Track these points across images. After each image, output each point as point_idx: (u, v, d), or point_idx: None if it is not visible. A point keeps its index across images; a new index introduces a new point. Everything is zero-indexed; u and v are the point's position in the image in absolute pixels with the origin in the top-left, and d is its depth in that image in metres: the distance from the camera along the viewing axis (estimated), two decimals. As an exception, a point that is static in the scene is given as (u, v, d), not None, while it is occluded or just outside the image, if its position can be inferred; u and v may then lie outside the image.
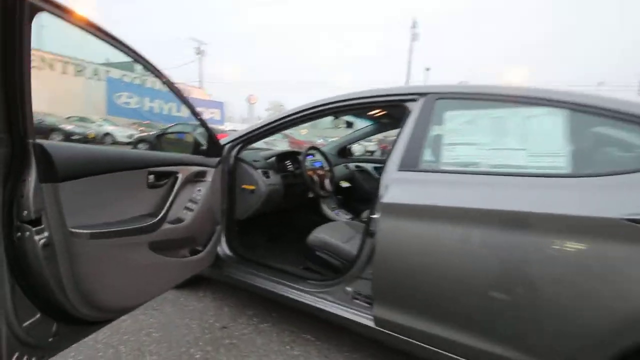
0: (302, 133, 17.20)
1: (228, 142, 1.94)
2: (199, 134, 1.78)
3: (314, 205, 2.52)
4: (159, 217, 1.30)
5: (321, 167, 2.41)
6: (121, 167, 1.15)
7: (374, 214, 1.42)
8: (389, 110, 2.42)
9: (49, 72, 16.90)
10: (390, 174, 1.41)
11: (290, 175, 2.20)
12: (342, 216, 2.54)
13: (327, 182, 2.15)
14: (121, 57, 1.42)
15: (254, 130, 1.92)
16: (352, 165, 3.19)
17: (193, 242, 1.59)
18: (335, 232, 1.92)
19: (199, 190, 1.59)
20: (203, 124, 1.67)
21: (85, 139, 12.61)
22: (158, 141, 1.75)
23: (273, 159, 2.17)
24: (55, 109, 14.29)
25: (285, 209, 2.37)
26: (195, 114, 1.62)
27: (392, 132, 2.81)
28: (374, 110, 2.29)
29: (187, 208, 1.51)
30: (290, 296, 1.67)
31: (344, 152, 3.22)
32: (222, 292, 2.13)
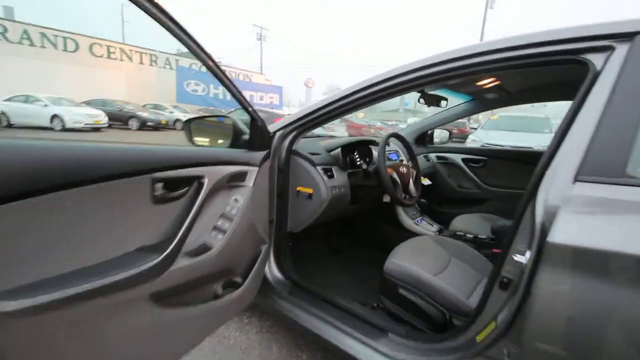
0: (360, 116, 16.34)
1: (279, 129, 1.43)
2: (243, 121, 1.30)
3: (389, 211, 1.92)
4: (168, 250, 0.84)
5: (401, 162, 1.80)
6: (99, 174, 0.69)
7: (514, 252, 0.88)
8: (520, 77, 1.66)
9: (128, 63, 18.43)
10: (559, 188, 0.79)
11: (360, 173, 1.63)
12: (427, 227, 1.91)
13: (411, 184, 1.55)
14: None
15: (312, 113, 1.37)
16: (433, 155, 2.50)
17: (228, 274, 1.13)
18: (423, 257, 1.33)
19: (236, 200, 1.11)
20: (243, 104, 1.17)
21: (158, 125, 13.48)
22: (188, 128, 1.30)
23: (338, 150, 1.62)
24: (133, 97, 15.55)
25: (350, 216, 1.82)
26: (233, 92, 1.12)
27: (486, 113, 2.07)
28: (491, 78, 1.57)
29: (218, 229, 1.04)
30: (360, 358, 1.14)
31: (422, 139, 2.54)
32: (272, 320, 1.68)
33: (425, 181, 2.33)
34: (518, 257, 0.87)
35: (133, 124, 13.07)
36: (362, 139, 1.77)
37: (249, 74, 23.94)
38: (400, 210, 1.90)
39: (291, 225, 1.54)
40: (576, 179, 0.78)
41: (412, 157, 1.68)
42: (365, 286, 1.72)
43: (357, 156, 1.72)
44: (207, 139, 1.34)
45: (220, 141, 1.32)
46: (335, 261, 2.00)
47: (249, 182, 1.16)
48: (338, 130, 10.28)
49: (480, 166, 2.35)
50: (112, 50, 17.88)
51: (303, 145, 1.58)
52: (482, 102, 2.12)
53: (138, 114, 13.29)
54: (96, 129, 11.41)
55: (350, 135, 8.12)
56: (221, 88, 19.63)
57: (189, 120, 1.33)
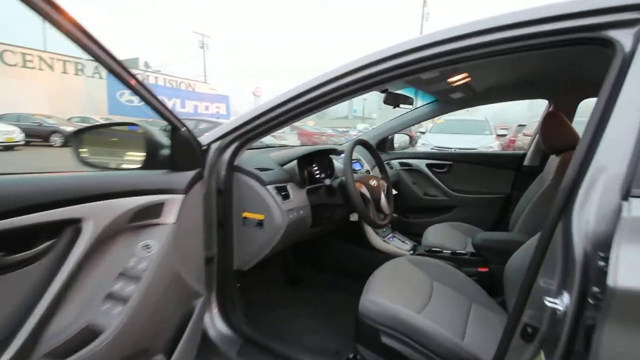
0: (310, 124, 16.20)
1: (215, 139, 1.09)
2: (164, 131, 0.94)
3: (356, 230, 1.66)
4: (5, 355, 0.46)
5: (368, 173, 1.55)
6: None
7: (539, 292, 0.68)
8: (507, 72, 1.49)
9: (49, 72, 16.35)
10: (605, 208, 0.58)
11: (322, 189, 1.33)
12: (400, 245, 1.68)
13: (383, 199, 1.29)
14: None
15: (256, 118, 1.06)
16: (395, 162, 2.31)
17: (140, 358, 0.75)
18: (403, 288, 1.09)
19: (147, 247, 0.75)
20: (156, 107, 0.83)
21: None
22: (75, 143, 0.89)
23: (293, 163, 1.31)
24: (55, 110, 13.75)
25: (311, 239, 1.52)
26: (139, 92, 0.77)
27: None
28: (463, 74, 1.38)
29: (114, 297, 0.67)
30: None
31: (383, 145, 2.34)
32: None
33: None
34: (550, 302, 0.64)
35: (56, 139, 11.51)
36: (321, 148, 1.49)
37: (191, 83, 22.71)
38: (368, 229, 1.65)
39: (239, 262, 1.20)
40: (627, 195, 0.56)
41: (381, 166, 1.44)
42: (335, 327, 1.42)
43: (316, 169, 1.43)
44: (109, 158, 0.95)
45: (127, 160, 0.94)
46: (296, 296, 1.67)
47: (168, 217, 0.80)
48: (290, 139, 9.96)
49: (445, 171, 2.20)
50: (28, 58, 15.76)
51: (248, 158, 1.25)
52: (446, 103, 1.97)
53: (62, 128, 11.73)
54: (8, 148, 9.80)
55: (303, 144, 7.80)
56: (162, 97, 18.30)
57: (78, 132, 0.92)
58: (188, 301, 0.92)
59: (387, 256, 1.57)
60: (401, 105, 1.55)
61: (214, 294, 1.16)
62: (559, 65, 1.48)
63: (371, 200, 1.24)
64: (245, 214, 1.16)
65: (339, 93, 0.94)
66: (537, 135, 1.89)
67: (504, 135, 7.50)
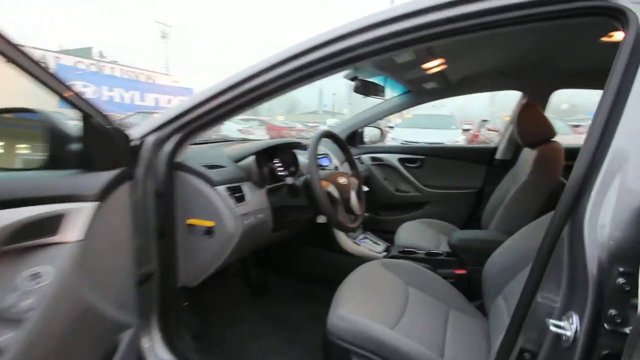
0: (279, 119, 15.84)
1: (150, 131, 0.89)
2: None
3: (324, 232, 1.51)
4: None
5: (337, 170, 1.40)
6: None
7: (538, 313, 0.58)
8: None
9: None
10: (625, 212, 0.45)
11: (285, 188, 1.16)
12: (372, 247, 1.55)
13: (353, 198, 1.15)
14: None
15: (201, 104, 0.87)
16: (366, 157, 2.18)
17: None
18: (376, 298, 0.99)
19: (36, 277, 0.54)
20: (64, 94, 0.62)
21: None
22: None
23: (250, 159, 1.13)
24: (-7, 102, 12.35)
25: (274, 244, 1.35)
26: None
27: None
28: (439, 60, 1.26)
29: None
30: None
31: (353, 139, 2.21)
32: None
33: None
34: (555, 326, 0.52)
35: (-6, 135, 10.34)
36: (284, 142, 1.32)
37: (152, 75, 21.42)
38: (338, 231, 1.50)
39: (185, 278, 1.01)
40: None
41: (350, 162, 1.29)
42: (304, 343, 1.28)
43: (278, 165, 1.26)
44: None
45: (23, 158, 0.72)
46: (260, 308, 1.50)
47: (70, 233, 0.60)
48: (258, 134, 9.63)
49: (417, 166, 2.11)
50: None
51: (195, 154, 1.05)
52: (418, 94, 1.86)
53: (1, 123, 10.56)
54: None
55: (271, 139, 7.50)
56: (116, 90, 17.15)
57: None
58: (109, 337, 0.72)
59: (359, 260, 1.43)
60: (372, 96, 1.42)
61: (155, 318, 0.97)
62: (532, 54, 1.42)
63: (340, 200, 1.09)
64: (191, 221, 0.97)
65: (299, 75, 0.78)
66: (510, 128, 1.84)
67: (468, 130, 7.71)
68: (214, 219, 0.95)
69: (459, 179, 2.00)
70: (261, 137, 9.32)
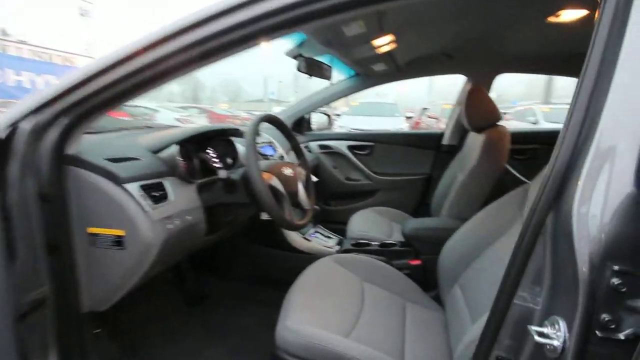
0: (223, 107, 14.94)
1: (25, 116, 0.66)
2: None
3: (269, 229, 1.36)
4: None
5: (282, 160, 1.25)
6: None
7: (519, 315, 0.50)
8: None
9: None
10: (620, 202, 0.37)
11: (219, 184, 0.98)
12: (324, 241, 1.44)
13: (301, 191, 1.01)
14: None
15: (94, 77, 0.66)
16: (314, 145, 2.06)
17: None
18: (329, 302, 0.90)
19: None
20: None
21: None
22: None
23: (172, 149, 0.92)
24: None
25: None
26: None
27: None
28: (389, 37, 1.15)
29: None
30: None
31: (299, 125, 2.06)
32: None
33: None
34: (538, 334, 0.44)
35: None
36: (218, 128, 1.13)
37: (70, 57, 18.78)
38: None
39: (91, 301, 0.79)
40: None
41: (297, 150, 1.14)
42: (254, 349, 1.13)
43: (212, 156, 1.06)
44: None
45: None
46: (200, 319, 1.31)
47: None
48: (199, 124, 8.97)
49: (366, 153, 2.04)
50: None
51: (96, 145, 0.83)
52: (366, 77, 1.77)
53: None
54: None
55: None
56: (25, 74, 14.71)
57: None
58: None
59: (310, 257, 1.32)
60: (317, 76, 1.28)
61: (54, 355, 0.75)
62: (476, 37, 1.39)
63: (286, 194, 0.94)
64: (93, 230, 0.75)
65: (226, 40, 0.60)
66: (456, 113, 1.84)
67: (411, 118, 8.02)
68: (123, 226, 0.74)
69: (409, 166, 1.98)
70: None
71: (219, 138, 1.11)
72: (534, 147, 1.81)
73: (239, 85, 29.79)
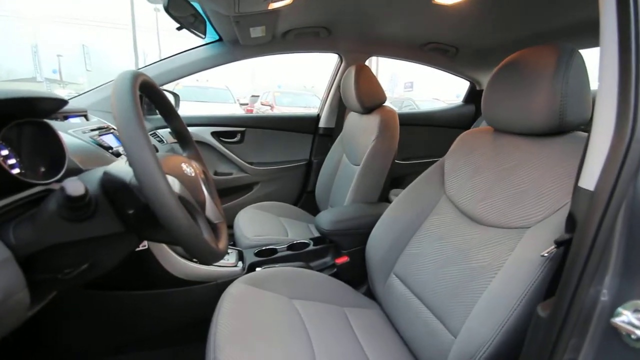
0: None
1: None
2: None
3: (135, 259, 0.88)
4: None
5: (173, 154, 0.79)
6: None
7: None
8: None
9: None
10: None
11: (53, 205, 0.48)
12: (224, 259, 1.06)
13: (208, 200, 0.64)
14: None
15: None
16: (163, 133, 1.55)
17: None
18: (271, 340, 0.72)
19: None
20: None
21: None
22: None
23: None
24: None
25: None
26: None
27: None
28: None
29: None
30: None
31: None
32: None
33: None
34: (622, 323, 0.38)
35: None
36: (10, 97, 0.58)
37: None
38: (159, 250, 0.90)
39: None
40: None
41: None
42: None
43: (4, 155, 0.53)
44: None
45: None
46: None
47: None
48: None
49: (237, 141, 1.71)
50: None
51: None
52: (232, 46, 1.42)
53: None
54: None
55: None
56: None
57: None
58: None
59: (206, 288, 0.95)
60: (190, 29, 0.87)
61: None
62: (351, 13, 1.34)
63: (198, 207, 0.57)
64: None
65: None
66: (332, 94, 1.78)
67: (246, 104, 7.79)
68: None
69: (287, 152, 1.80)
70: None
71: (16, 122, 0.57)
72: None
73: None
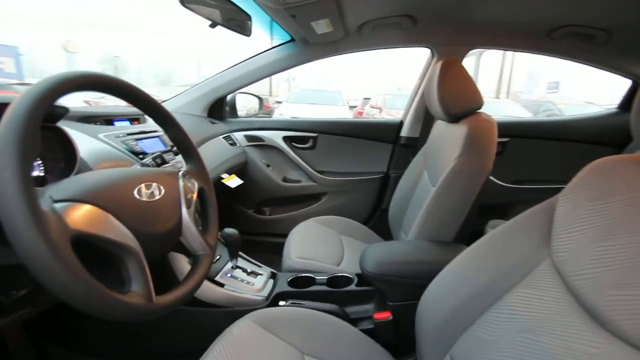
0: (151, 91, 13.04)
1: None
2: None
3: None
4: None
5: (157, 168, 0.74)
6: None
7: None
8: None
9: None
10: None
11: None
12: (245, 280, 0.96)
13: (188, 223, 0.54)
14: None
15: None
16: (239, 136, 1.56)
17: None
18: None
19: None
20: None
21: None
22: None
23: None
24: None
25: None
26: None
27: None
28: None
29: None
30: None
31: (219, 110, 1.55)
32: None
33: (233, 180, 1.37)
34: None
35: None
36: None
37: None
38: (177, 260, 0.86)
39: None
40: None
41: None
42: None
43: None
44: None
45: None
46: None
47: None
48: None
49: (309, 147, 1.60)
50: None
51: None
52: (305, 45, 1.31)
53: None
54: None
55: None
56: None
57: None
58: None
59: (221, 313, 0.85)
60: (228, 27, 0.78)
61: None
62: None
63: (131, 244, 0.46)
64: None
65: None
66: (417, 99, 1.49)
67: (355, 107, 7.79)
68: None
69: (361, 163, 1.59)
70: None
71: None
72: (503, 141, 1.55)
73: (170, 67, 27.22)
